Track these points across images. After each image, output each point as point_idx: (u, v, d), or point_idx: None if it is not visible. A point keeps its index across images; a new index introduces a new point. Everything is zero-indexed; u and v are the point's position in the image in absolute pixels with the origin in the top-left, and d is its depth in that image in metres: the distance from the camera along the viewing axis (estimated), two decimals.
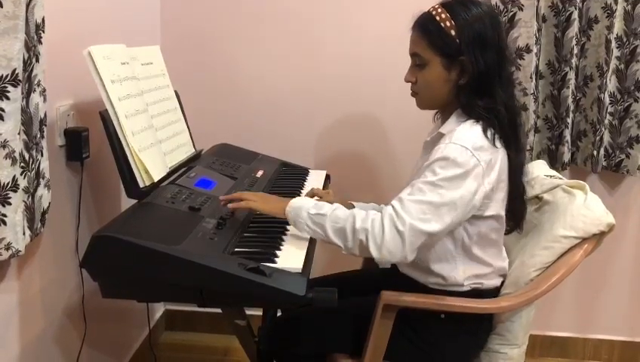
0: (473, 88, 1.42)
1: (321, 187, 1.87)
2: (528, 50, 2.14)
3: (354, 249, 1.35)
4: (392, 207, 1.34)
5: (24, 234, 1.33)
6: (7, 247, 1.27)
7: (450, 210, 1.34)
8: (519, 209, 1.53)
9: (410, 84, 1.51)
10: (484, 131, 1.39)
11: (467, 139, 1.36)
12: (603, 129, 2.21)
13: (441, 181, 1.33)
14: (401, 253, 1.33)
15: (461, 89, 1.43)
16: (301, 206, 1.40)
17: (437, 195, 1.33)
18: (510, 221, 1.53)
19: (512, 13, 2.13)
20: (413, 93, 1.51)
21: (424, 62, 1.45)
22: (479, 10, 1.43)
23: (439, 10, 1.43)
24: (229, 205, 1.47)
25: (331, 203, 1.75)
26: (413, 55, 1.48)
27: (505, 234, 1.54)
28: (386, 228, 1.31)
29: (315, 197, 1.74)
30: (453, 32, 1.41)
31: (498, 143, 1.40)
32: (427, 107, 1.54)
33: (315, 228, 1.37)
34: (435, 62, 1.43)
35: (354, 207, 1.79)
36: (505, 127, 1.42)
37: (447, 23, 1.41)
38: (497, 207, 1.45)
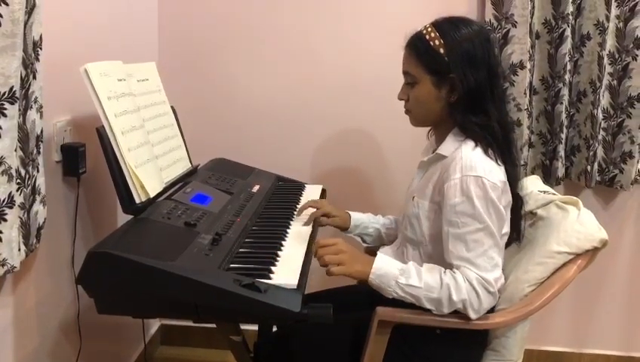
0: (465, 105, 1.43)
1: None
2: (522, 66, 2.16)
3: (445, 312, 1.39)
4: (472, 271, 1.36)
5: (19, 250, 1.33)
6: (3, 263, 1.28)
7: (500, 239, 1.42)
8: (518, 221, 1.55)
9: (403, 102, 1.53)
10: (485, 152, 1.42)
11: (477, 167, 1.38)
12: (596, 144, 2.23)
13: (485, 221, 1.36)
14: (493, 304, 1.42)
15: (453, 107, 1.45)
16: (387, 274, 1.39)
17: (490, 237, 1.38)
18: (512, 233, 1.54)
19: (505, 30, 2.16)
20: (407, 111, 1.54)
21: (415, 81, 1.48)
22: (469, 29, 1.45)
23: (429, 29, 1.46)
24: (332, 268, 1.39)
25: (329, 214, 1.77)
26: (405, 73, 1.51)
27: (505, 247, 1.55)
28: (481, 294, 1.36)
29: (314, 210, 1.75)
30: (442, 50, 1.43)
31: (499, 161, 1.43)
32: (420, 124, 1.56)
33: (406, 296, 1.38)
34: (425, 80, 1.46)
35: (350, 217, 1.79)
36: (500, 143, 1.44)
37: (437, 42, 1.43)
38: (508, 223, 1.48)
